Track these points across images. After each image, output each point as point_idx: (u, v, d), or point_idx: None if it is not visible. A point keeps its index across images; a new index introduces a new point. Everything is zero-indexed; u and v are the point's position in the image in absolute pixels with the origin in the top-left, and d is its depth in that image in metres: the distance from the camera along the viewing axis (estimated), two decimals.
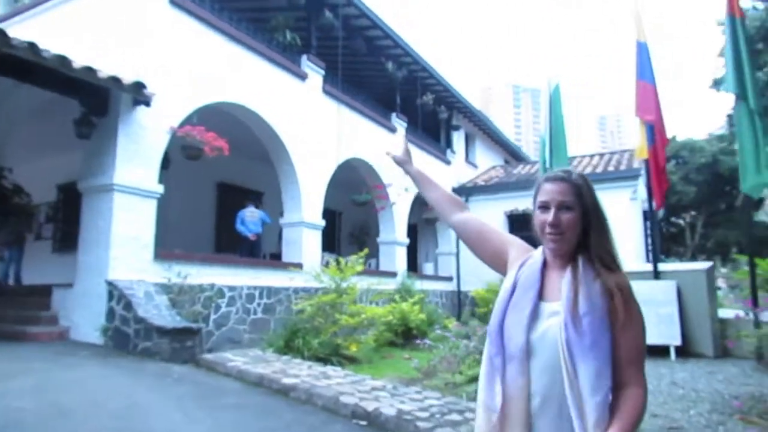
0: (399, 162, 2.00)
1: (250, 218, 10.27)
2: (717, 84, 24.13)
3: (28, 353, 5.91)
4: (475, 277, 16.56)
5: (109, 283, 6.72)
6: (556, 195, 1.50)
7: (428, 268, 16.95)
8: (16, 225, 9.95)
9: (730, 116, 25.25)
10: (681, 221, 26.79)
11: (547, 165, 7.97)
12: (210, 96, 8.48)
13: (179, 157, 8.02)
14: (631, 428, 1.34)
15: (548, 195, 1.52)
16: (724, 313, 7.95)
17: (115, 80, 6.60)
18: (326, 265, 12.21)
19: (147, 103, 7.20)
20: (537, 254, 1.60)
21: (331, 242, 15.56)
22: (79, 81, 6.57)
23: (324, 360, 7.17)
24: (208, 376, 5.79)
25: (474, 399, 4.00)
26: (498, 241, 1.73)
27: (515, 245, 1.69)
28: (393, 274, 13.39)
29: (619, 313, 1.39)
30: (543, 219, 1.52)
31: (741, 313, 7.38)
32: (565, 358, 1.39)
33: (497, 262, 1.70)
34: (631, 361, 1.39)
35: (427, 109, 15.34)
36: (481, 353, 3.47)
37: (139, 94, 6.95)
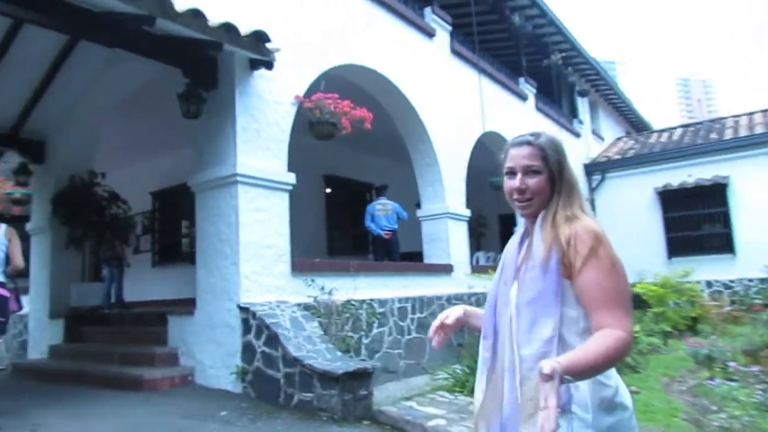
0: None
1: (382, 212, 8.33)
2: None
3: (151, 416, 4.20)
4: (627, 268, 13.98)
5: (243, 309, 4.94)
6: (521, 159, 1.47)
7: None
8: (114, 238, 8.51)
9: None
10: None
11: None
12: (335, 58, 6.60)
13: None
14: (582, 360, 1.20)
15: (514, 160, 1.49)
16: None
17: (228, 29, 4.78)
18: (477, 262, 10.20)
19: (269, 65, 5.37)
20: (520, 228, 1.58)
21: None
22: (181, 40, 4.82)
23: None
24: None
25: None
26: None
27: None
28: None
29: (569, 260, 1.34)
30: (510, 185, 1.49)
31: None
32: (512, 316, 1.40)
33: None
34: (597, 305, 1.31)
35: (552, 72, 12.94)
36: None
37: (259, 50, 5.11)
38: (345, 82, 7.10)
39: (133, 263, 10.27)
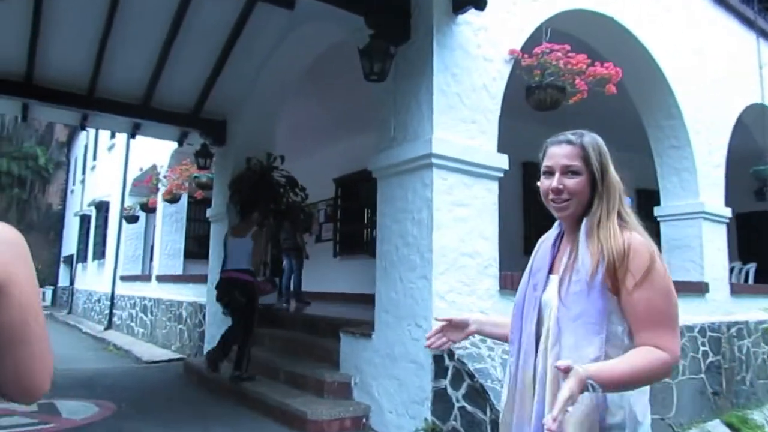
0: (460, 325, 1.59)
1: None
2: None
3: None
4: None
5: None
6: (560, 159, 1.38)
7: None
8: (294, 228, 7.86)
9: None
10: None
11: None
12: (561, 1, 4.92)
13: None
14: (616, 370, 1.16)
15: (552, 159, 1.40)
16: None
17: None
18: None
19: (480, 4, 3.90)
20: (553, 229, 1.49)
21: None
22: None
23: None
24: None
25: None
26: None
27: None
28: None
29: (620, 277, 1.25)
30: (547, 185, 1.40)
31: None
32: (551, 330, 1.30)
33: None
34: (645, 326, 1.23)
35: None
36: None
37: None
38: (563, 37, 5.34)
39: (314, 253, 9.70)
